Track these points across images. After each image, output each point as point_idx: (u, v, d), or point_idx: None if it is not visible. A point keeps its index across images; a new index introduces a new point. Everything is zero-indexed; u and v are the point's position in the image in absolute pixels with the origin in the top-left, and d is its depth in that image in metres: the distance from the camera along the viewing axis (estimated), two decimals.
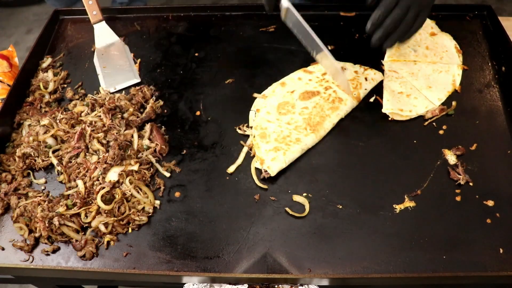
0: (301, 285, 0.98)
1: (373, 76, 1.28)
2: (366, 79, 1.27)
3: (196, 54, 1.40)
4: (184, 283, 1.01)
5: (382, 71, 1.30)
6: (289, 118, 1.19)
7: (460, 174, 1.06)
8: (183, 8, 1.52)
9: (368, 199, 1.05)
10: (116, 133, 1.15)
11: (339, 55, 1.33)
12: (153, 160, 1.14)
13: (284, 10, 1.13)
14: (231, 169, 1.12)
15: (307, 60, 1.33)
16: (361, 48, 1.36)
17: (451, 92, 1.24)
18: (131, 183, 1.06)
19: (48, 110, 1.25)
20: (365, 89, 1.25)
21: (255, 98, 1.26)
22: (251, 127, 1.19)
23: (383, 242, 0.98)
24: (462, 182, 1.05)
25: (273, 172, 1.08)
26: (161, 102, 1.27)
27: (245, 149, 1.15)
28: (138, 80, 1.34)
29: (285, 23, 1.18)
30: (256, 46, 1.40)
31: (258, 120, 1.19)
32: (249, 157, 1.14)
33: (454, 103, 1.22)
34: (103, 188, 1.04)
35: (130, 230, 1.03)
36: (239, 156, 1.14)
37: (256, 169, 1.11)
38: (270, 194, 1.07)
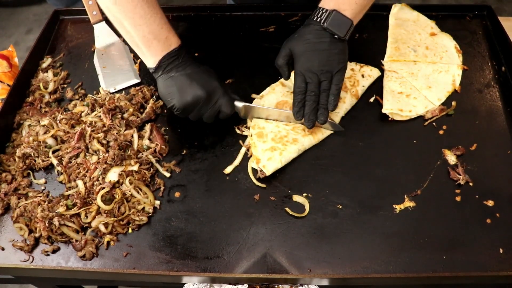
0: (301, 285, 0.98)
1: (370, 72, 1.29)
2: (363, 76, 1.27)
3: (196, 54, 1.40)
4: (184, 283, 1.01)
5: (382, 71, 1.30)
6: None
7: (460, 174, 1.06)
8: (183, 8, 1.52)
9: (368, 199, 1.05)
10: (116, 133, 1.15)
11: None
12: (153, 160, 1.14)
13: (242, 109, 1.17)
14: (228, 169, 1.12)
15: None
16: (361, 48, 1.36)
17: (451, 92, 1.24)
18: (131, 183, 1.06)
19: (48, 110, 1.25)
20: (363, 86, 1.26)
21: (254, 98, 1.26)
22: (249, 127, 1.19)
23: (383, 242, 0.98)
24: (462, 182, 1.05)
25: (268, 172, 1.08)
26: (161, 102, 1.26)
27: (243, 150, 1.15)
28: (138, 80, 1.34)
29: (246, 117, 1.21)
30: (256, 46, 1.40)
31: (255, 120, 1.19)
32: (248, 158, 1.14)
33: (454, 103, 1.22)
34: (103, 188, 1.04)
35: (130, 230, 1.03)
36: (237, 157, 1.14)
37: (253, 169, 1.11)
38: (270, 194, 1.07)
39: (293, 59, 1.13)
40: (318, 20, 1.09)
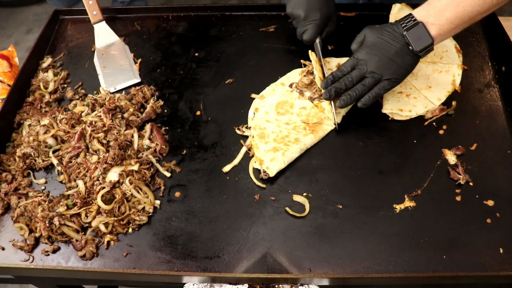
0: (301, 285, 0.98)
1: None
2: None
3: (196, 54, 1.40)
4: (184, 283, 1.01)
5: None
6: (288, 119, 1.19)
7: (460, 174, 1.06)
8: (183, 8, 1.52)
9: (368, 199, 1.05)
10: (116, 133, 1.15)
11: (339, 55, 1.34)
12: (153, 160, 1.14)
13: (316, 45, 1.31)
14: (227, 168, 1.12)
15: (306, 60, 1.33)
16: None
17: (451, 92, 1.24)
18: (131, 183, 1.06)
19: (48, 110, 1.25)
20: None
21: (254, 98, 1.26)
22: (250, 128, 1.19)
23: (383, 242, 0.98)
24: (462, 182, 1.05)
25: (272, 173, 1.08)
26: (161, 102, 1.27)
27: (243, 150, 1.15)
28: (138, 80, 1.34)
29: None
30: (256, 46, 1.41)
31: (256, 120, 1.19)
32: (248, 157, 1.14)
33: (454, 103, 1.22)
34: (103, 188, 1.04)
35: (130, 230, 1.03)
36: (237, 156, 1.14)
37: (254, 169, 1.11)
38: (270, 194, 1.07)
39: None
40: (403, 26, 1.07)
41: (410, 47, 1.07)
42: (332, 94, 1.13)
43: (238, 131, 1.19)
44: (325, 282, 0.96)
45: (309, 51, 1.26)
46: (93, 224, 1.01)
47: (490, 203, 1.03)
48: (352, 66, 1.13)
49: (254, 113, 1.22)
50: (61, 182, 1.11)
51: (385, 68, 1.09)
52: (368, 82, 1.10)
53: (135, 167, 1.09)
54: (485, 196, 1.04)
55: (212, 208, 1.05)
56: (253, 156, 1.13)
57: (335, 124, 1.18)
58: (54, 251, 1.00)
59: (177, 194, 1.08)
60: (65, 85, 1.34)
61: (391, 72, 1.09)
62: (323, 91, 1.15)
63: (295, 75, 1.29)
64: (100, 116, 1.18)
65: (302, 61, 1.32)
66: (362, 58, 1.11)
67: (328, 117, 1.19)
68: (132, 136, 1.16)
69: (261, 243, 0.99)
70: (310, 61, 1.25)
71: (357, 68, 1.12)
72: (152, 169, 1.12)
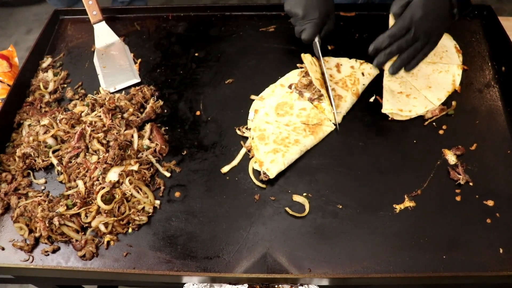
0: (301, 285, 0.98)
1: (370, 70, 1.29)
2: (363, 74, 1.27)
3: (196, 54, 1.40)
4: (184, 283, 1.01)
5: (382, 70, 1.30)
6: (287, 120, 1.19)
7: (460, 174, 1.06)
8: (183, 8, 1.52)
9: (368, 199, 1.05)
10: (116, 133, 1.15)
11: (339, 55, 1.34)
12: (153, 160, 1.14)
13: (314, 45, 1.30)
14: (225, 169, 1.12)
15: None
16: (361, 48, 1.36)
17: (451, 92, 1.24)
18: (131, 183, 1.06)
19: (48, 110, 1.25)
20: (363, 84, 1.26)
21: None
22: (250, 129, 1.19)
23: (383, 242, 0.98)
24: (462, 182, 1.05)
25: (272, 175, 1.07)
26: (161, 102, 1.27)
27: (243, 150, 1.15)
28: (138, 80, 1.34)
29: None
30: (256, 46, 1.41)
31: (256, 122, 1.19)
32: (248, 157, 1.14)
33: (454, 103, 1.22)
34: (103, 188, 1.04)
35: (130, 230, 1.03)
36: (236, 157, 1.14)
37: (254, 169, 1.11)
38: (270, 194, 1.07)
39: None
40: None
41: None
42: (384, 61, 1.13)
43: (238, 132, 1.19)
44: (325, 282, 0.96)
45: (301, 54, 1.26)
46: (93, 224, 1.01)
47: (490, 203, 1.03)
48: (405, 29, 1.09)
49: (254, 115, 1.22)
50: (61, 182, 1.11)
51: (433, 33, 1.09)
52: (420, 46, 1.10)
53: (135, 167, 1.09)
54: (485, 196, 1.04)
55: (212, 208, 1.05)
56: (253, 157, 1.13)
57: (335, 124, 1.18)
58: (54, 251, 1.00)
59: (177, 194, 1.08)
60: (65, 85, 1.34)
61: (436, 36, 1.10)
62: (368, 65, 1.17)
63: (293, 76, 1.29)
64: (100, 116, 1.18)
65: (298, 64, 1.32)
66: (412, 22, 1.07)
67: (328, 118, 1.19)
68: (132, 136, 1.16)
69: (261, 243, 0.99)
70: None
71: (410, 31, 1.09)
72: (152, 169, 1.12)
